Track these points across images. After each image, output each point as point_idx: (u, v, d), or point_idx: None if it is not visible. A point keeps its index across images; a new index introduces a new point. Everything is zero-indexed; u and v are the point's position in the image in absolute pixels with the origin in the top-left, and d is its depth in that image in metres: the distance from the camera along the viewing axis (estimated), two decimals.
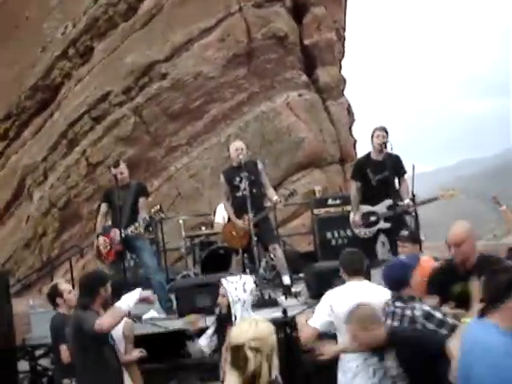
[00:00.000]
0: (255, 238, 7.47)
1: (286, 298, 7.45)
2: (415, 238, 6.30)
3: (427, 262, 6.16)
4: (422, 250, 7.44)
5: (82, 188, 13.73)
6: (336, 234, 9.78)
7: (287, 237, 11.54)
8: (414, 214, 9.21)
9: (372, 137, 7.76)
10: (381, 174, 7.66)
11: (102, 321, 4.32)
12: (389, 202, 7.63)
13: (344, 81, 16.33)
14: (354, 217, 7.89)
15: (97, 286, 4.60)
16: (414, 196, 7.65)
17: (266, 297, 7.31)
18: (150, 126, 13.77)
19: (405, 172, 7.76)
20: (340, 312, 4.41)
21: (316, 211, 10.04)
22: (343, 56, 17.01)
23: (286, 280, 7.66)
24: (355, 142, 16.48)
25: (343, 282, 4.76)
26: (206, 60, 13.80)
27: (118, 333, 5.12)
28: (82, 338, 4.45)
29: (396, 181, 7.82)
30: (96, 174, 13.61)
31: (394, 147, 7.74)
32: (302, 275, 8.46)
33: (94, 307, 4.55)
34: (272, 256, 8.16)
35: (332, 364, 4.64)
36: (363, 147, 9.26)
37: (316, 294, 7.14)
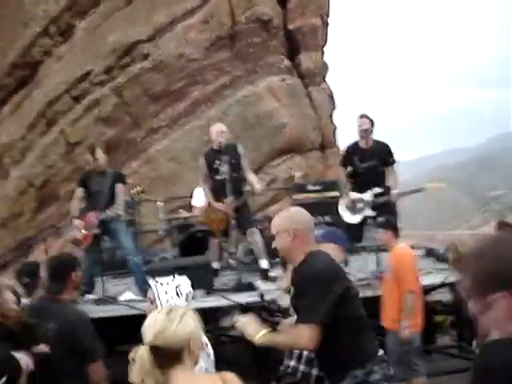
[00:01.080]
0: (233, 222, 7.46)
1: (263, 282, 7.44)
2: (390, 225, 6.32)
3: (402, 249, 6.23)
4: (398, 236, 7.48)
5: (60, 168, 13.59)
6: (315, 220, 9.78)
7: (266, 221, 11.52)
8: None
9: (357, 125, 7.75)
10: (367, 163, 7.69)
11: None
12: (376, 190, 7.63)
13: (326, 67, 16.32)
14: (345, 200, 7.91)
15: (68, 271, 4.39)
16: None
17: (243, 281, 7.30)
18: (131, 106, 13.65)
19: (393, 162, 7.74)
20: None
21: (295, 197, 10.05)
22: (326, 42, 16.97)
23: (264, 264, 7.66)
24: (335, 129, 16.48)
25: None
26: (188, 41, 13.68)
27: None
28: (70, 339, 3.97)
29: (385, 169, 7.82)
30: (74, 154, 13.47)
31: (379, 134, 7.80)
32: (279, 260, 8.46)
33: (64, 294, 4.24)
34: (250, 240, 8.14)
35: None
36: (344, 135, 9.30)
37: None
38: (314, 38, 15.62)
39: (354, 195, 7.82)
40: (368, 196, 7.68)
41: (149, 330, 2.40)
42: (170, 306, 2.54)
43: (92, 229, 7.41)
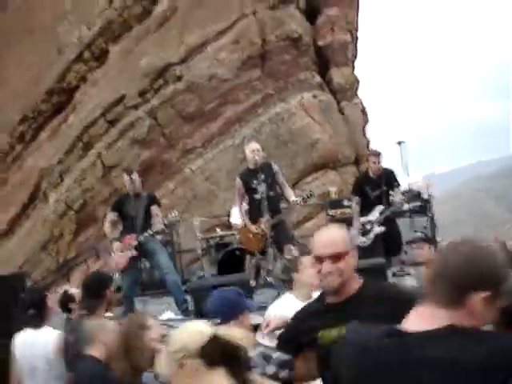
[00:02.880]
0: (270, 240, 7.50)
1: None
2: (431, 240, 6.41)
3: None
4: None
5: (98, 190, 13.79)
6: None
7: (302, 238, 11.53)
8: (430, 214, 9.60)
9: (368, 161, 8.65)
10: (378, 190, 8.35)
11: None
12: (380, 207, 8.23)
13: (357, 81, 16.32)
14: (356, 225, 8.46)
15: (103, 288, 4.47)
16: (408, 195, 8.35)
17: None
18: (165, 128, 13.82)
19: (398, 185, 8.33)
20: None
21: (331, 212, 10.09)
22: (356, 57, 17.01)
23: None
24: (369, 142, 16.45)
25: None
26: (220, 62, 13.83)
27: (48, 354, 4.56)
28: None
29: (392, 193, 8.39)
30: (111, 177, 13.67)
31: (409, 149, 8.03)
32: None
33: (98, 311, 4.38)
34: (287, 257, 8.17)
35: None
36: (378, 148, 9.44)
37: None
38: (344, 54, 15.68)
39: (362, 219, 8.39)
40: (373, 216, 8.28)
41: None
42: None
43: (128, 251, 7.52)
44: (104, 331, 3.71)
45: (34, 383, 4.62)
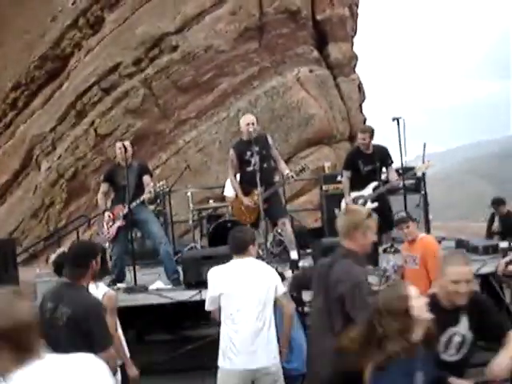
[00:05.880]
0: (263, 213, 7.46)
1: (292, 272, 7.44)
2: (412, 217, 6.46)
3: (429, 238, 6.22)
4: (430, 229, 7.63)
5: (90, 159, 13.71)
6: None
7: (294, 212, 11.53)
8: (423, 192, 9.63)
9: (359, 138, 8.43)
10: (370, 166, 8.25)
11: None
12: (374, 184, 8.21)
13: (356, 57, 16.19)
14: (346, 201, 8.39)
15: (89, 259, 4.38)
16: (403, 172, 8.20)
17: None
18: (160, 98, 13.70)
19: (391, 163, 8.27)
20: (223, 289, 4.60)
21: (325, 187, 10.09)
22: (356, 32, 16.86)
23: (294, 255, 7.65)
24: (365, 119, 16.36)
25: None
26: (217, 33, 13.68)
27: None
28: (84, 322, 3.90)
29: (384, 170, 8.43)
30: (104, 146, 13.58)
31: (406, 127, 8.03)
32: (309, 251, 8.50)
33: (82, 281, 4.17)
34: (280, 231, 8.15)
35: None
36: (373, 125, 9.38)
37: None
38: (343, 29, 15.51)
39: (354, 194, 8.32)
40: (367, 191, 8.25)
41: None
42: None
43: (117, 221, 7.51)
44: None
45: None
